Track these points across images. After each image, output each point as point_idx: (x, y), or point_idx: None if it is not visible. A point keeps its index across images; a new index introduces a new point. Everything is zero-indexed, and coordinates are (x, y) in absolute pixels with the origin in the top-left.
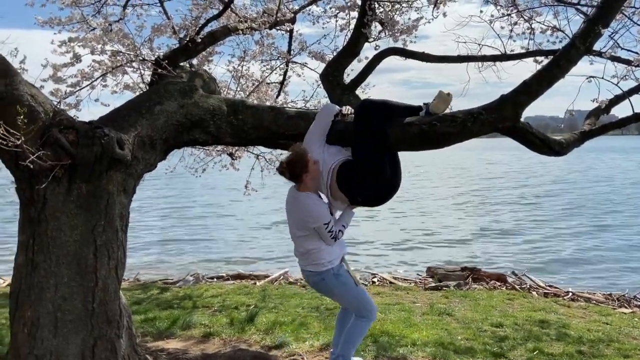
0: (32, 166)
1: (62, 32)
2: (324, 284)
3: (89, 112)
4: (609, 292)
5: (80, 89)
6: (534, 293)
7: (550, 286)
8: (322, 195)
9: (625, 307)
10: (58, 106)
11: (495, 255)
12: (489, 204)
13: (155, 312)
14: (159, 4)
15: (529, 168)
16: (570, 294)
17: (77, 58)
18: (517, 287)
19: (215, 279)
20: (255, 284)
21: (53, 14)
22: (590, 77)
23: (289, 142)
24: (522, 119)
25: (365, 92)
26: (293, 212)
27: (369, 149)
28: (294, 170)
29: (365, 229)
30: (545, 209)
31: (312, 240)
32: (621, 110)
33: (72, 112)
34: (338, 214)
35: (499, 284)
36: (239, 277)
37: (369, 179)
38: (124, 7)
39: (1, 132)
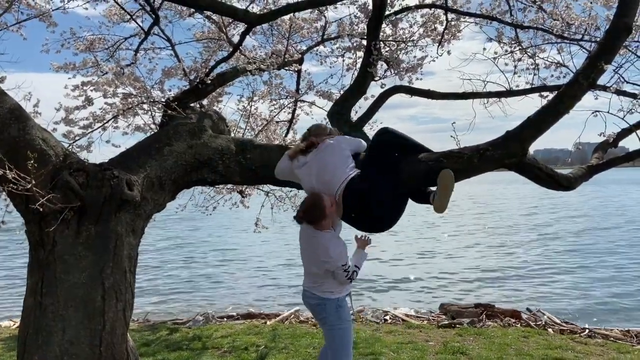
0: (42, 209)
1: (76, 77)
2: (322, 309)
3: (100, 153)
4: (627, 329)
5: (92, 131)
6: (550, 330)
7: (566, 322)
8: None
9: None
10: (69, 149)
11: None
12: (510, 240)
13: (164, 353)
14: (170, 48)
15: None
16: (587, 330)
17: (89, 101)
18: (532, 323)
19: (225, 319)
20: (265, 323)
21: (68, 59)
22: (596, 111)
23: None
24: (531, 152)
25: (372, 128)
26: (310, 250)
27: (382, 181)
28: (311, 218)
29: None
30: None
31: (324, 278)
32: (633, 142)
33: (83, 154)
34: (337, 230)
35: (513, 320)
36: (249, 316)
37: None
38: (136, 51)
39: (13, 176)
